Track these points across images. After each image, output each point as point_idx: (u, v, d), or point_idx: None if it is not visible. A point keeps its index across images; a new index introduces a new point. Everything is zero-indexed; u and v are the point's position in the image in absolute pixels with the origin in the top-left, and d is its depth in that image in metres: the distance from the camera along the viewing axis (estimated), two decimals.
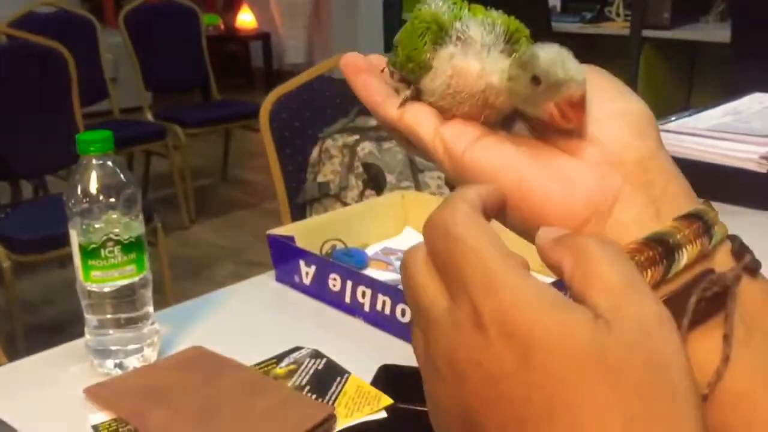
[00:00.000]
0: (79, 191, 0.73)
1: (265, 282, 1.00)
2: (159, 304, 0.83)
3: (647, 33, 3.21)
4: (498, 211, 0.32)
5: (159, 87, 3.70)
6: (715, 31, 3.12)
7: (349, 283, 0.88)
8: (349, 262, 0.99)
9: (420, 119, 0.36)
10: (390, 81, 0.39)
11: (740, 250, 0.31)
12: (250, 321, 0.91)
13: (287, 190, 1.64)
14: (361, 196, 1.53)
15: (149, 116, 3.48)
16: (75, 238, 0.74)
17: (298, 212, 1.64)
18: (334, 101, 1.70)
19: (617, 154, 0.32)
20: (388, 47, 3.40)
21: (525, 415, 0.24)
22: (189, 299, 0.96)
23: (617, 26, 3.41)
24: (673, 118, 1.34)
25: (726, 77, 2.99)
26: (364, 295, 0.86)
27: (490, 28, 0.36)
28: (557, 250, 0.28)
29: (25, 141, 2.51)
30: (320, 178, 1.59)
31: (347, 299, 0.88)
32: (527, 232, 0.32)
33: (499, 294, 0.25)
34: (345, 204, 1.54)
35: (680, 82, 3.57)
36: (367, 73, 0.38)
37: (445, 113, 0.36)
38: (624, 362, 0.24)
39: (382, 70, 0.39)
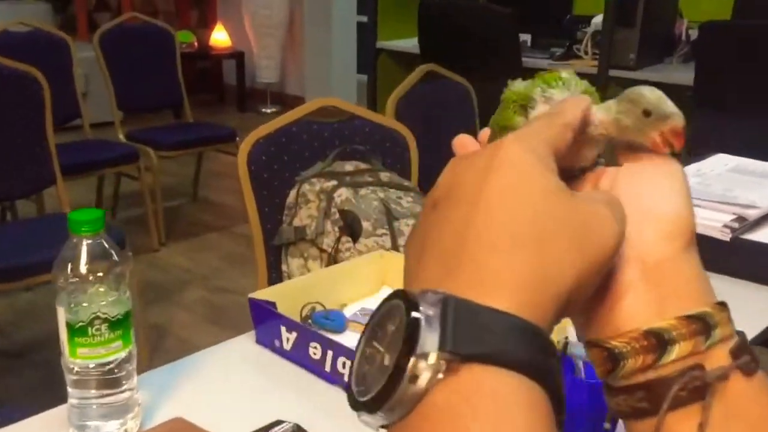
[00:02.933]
0: (68, 270, 0.74)
1: (246, 344, 1.01)
2: None
3: (614, 72, 3.30)
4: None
5: (131, 107, 3.68)
6: (679, 74, 3.21)
7: (329, 353, 0.90)
8: (328, 326, 1.02)
9: None
10: None
11: (738, 350, 0.35)
12: (231, 387, 0.92)
13: (263, 231, 1.66)
14: (337, 242, 1.55)
15: (120, 135, 3.45)
16: (62, 316, 0.75)
17: (273, 254, 1.66)
18: (312, 145, 1.73)
19: (641, 252, 0.36)
20: (361, 69, 3.45)
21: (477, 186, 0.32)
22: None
23: (585, 64, 3.48)
24: None
25: (690, 118, 3.09)
26: (344, 365, 0.88)
27: (565, 87, 0.43)
28: None
29: None
30: (297, 222, 1.61)
31: (327, 368, 0.90)
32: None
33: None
34: (321, 249, 1.57)
35: None
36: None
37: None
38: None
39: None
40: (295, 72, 5.81)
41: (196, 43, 5.54)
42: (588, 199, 0.34)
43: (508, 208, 0.31)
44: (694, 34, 3.34)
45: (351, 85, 5.70)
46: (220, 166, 4.27)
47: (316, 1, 5.53)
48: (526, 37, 3.73)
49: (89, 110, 3.46)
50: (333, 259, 1.54)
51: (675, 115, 0.41)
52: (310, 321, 1.02)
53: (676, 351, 0.34)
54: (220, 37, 5.67)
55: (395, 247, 1.55)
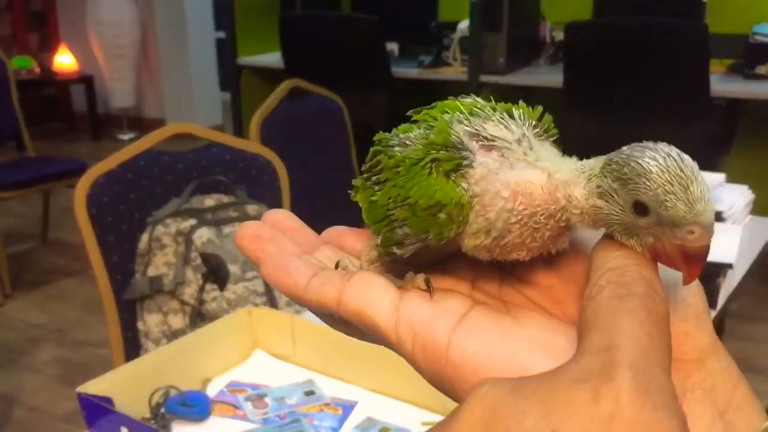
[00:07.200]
0: None
1: None
2: None
3: (484, 78, 3.24)
4: None
5: None
6: (548, 76, 3.20)
7: None
8: (187, 414, 0.81)
9: (370, 296, 0.26)
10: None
11: None
12: None
13: (112, 286, 1.41)
14: (201, 292, 1.33)
15: None
16: None
17: (128, 310, 1.41)
18: (165, 179, 1.50)
19: (675, 346, 0.24)
20: (224, 87, 3.18)
21: None
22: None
23: (455, 71, 3.41)
24: None
25: (561, 118, 3.08)
26: None
27: (504, 119, 0.30)
28: None
29: None
30: (151, 272, 1.38)
31: None
32: None
33: None
34: (182, 302, 1.34)
35: None
36: (275, 243, 0.29)
37: (515, 252, 0.27)
38: None
39: (336, 266, 0.29)
40: (153, 94, 5.45)
41: (37, 69, 5.06)
42: None
43: None
44: (557, 35, 3.35)
45: (215, 106, 5.41)
46: (71, 202, 3.87)
47: (170, 19, 5.23)
48: (393, 47, 3.62)
49: None
50: (197, 312, 1.32)
51: (693, 225, 0.23)
52: (163, 410, 0.81)
53: None
54: (64, 60, 5.22)
55: (269, 291, 1.35)
